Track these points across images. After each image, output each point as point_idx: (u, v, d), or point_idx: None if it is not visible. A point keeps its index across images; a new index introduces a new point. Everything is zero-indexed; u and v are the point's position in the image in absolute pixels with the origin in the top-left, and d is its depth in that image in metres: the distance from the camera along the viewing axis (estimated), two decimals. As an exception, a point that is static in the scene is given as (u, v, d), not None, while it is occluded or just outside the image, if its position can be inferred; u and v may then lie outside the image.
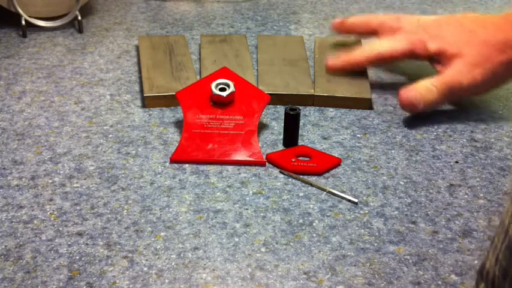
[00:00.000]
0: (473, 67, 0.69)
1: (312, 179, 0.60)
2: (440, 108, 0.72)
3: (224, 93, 0.65)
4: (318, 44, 0.83)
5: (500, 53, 0.69)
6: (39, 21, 0.87)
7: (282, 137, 0.66)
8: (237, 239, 0.53)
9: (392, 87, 0.77)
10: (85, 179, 0.59)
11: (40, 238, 0.52)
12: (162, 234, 0.53)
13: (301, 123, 0.67)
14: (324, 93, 0.72)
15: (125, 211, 0.56)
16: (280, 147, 0.65)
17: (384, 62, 0.76)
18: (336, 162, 0.62)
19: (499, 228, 0.37)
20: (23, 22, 0.85)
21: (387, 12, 0.97)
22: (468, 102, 0.74)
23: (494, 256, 0.37)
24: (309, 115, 0.70)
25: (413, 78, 0.81)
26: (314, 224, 0.55)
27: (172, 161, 0.62)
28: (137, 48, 0.84)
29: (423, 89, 0.69)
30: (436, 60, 0.72)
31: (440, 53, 0.71)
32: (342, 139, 0.66)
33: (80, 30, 0.88)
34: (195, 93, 0.66)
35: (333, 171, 0.61)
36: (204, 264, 0.50)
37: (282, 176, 0.61)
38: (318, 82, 0.74)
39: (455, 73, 0.70)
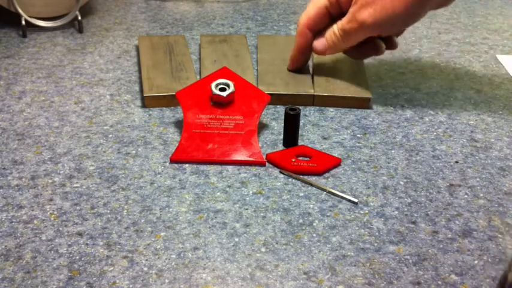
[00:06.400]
0: (364, 7, 0.69)
1: (312, 179, 0.60)
2: (439, 111, 0.72)
3: (224, 93, 0.65)
4: None
5: None
6: (39, 21, 0.87)
7: (282, 137, 0.66)
8: (237, 239, 0.53)
9: (393, 87, 0.77)
10: (85, 179, 0.59)
11: (40, 238, 0.52)
12: (162, 234, 0.53)
13: (301, 123, 0.67)
14: (323, 93, 0.72)
15: (125, 211, 0.56)
16: (280, 147, 0.65)
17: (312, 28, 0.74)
18: (336, 162, 0.62)
19: None
20: (23, 22, 0.85)
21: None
22: (468, 102, 0.74)
23: None
24: (309, 115, 0.70)
25: (412, 77, 0.81)
26: (314, 224, 0.55)
27: (172, 161, 0.62)
28: (137, 48, 0.84)
29: (329, 36, 0.72)
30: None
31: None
32: (342, 139, 0.66)
33: (80, 30, 0.88)
34: (195, 93, 0.66)
35: (333, 171, 0.61)
36: (204, 264, 0.50)
37: (282, 176, 0.61)
38: (317, 82, 0.74)
39: (350, 14, 0.70)
